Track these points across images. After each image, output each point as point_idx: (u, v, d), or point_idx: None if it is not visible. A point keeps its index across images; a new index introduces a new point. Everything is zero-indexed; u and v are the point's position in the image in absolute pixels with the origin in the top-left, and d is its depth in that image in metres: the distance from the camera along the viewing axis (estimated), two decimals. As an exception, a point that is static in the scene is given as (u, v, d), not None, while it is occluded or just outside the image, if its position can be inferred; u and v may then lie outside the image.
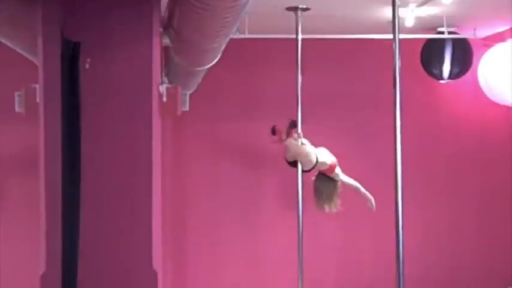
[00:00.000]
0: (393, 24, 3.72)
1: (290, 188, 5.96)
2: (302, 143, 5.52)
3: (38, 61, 3.82)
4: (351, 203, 7.25)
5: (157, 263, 3.70)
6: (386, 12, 5.88)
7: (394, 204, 3.64)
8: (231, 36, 4.53)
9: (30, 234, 6.18)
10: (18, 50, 4.95)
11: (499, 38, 6.95)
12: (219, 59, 5.20)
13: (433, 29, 6.72)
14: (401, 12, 5.92)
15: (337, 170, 5.63)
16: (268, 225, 7.19)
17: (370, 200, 5.68)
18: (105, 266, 3.61)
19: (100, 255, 3.60)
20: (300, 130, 5.57)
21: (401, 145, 3.67)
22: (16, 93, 4.01)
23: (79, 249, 3.50)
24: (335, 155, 6.90)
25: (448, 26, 6.52)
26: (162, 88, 3.85)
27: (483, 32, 6.86)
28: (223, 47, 4.79)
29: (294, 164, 5.61)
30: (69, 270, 3.46)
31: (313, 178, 5.62)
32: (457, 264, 7.29)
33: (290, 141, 5.50)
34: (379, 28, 6.26)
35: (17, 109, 4.03)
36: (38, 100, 3.77)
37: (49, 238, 3.58)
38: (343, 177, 5.65)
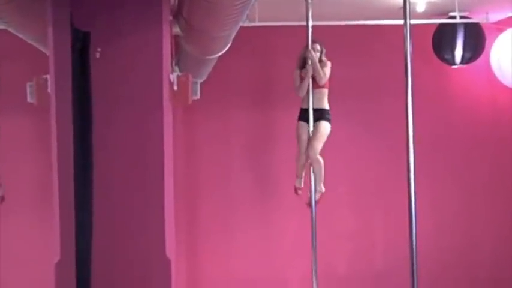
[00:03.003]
0: (404, 10, 3.70)
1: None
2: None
3: (48, 51, 3.83)
4: (364, 191, 7.25)
5: (170, 251, 3.71)
6: (397, -3, 5.84)
7: (407, 191, 3.63)
8: (241, 24, 4.51)
9: (43, 223, 6.22)
10: (29, 40, 4.96)
11: (512, 22, 6.89)
12: (229, 48, 5.19)
13: (444, 14, 6.67)
14: (413, -3, 5.88)
15: None
16: (281, 213, 7.20)
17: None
18: (118, 254, 3.63)
19: (113, 243, 3.62)
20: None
21: (414, 130, 3.66)
22: (28, 84, 4.02)
23: (92, 238, 3.52)
24: (347, 140, 6.89)
25: (460, 10, 6.46)
26: (173, 77, 3.85)
27: (495, 16, 6.79)
28: (233, 35, 4.78)
29: None
30: (83, 259, 3.48)
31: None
32: (470, 251, 7.27)
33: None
34: (390, 14, 6.22)
35: (28, 100, 4.05)
36: (49, 90, 3.78)
37: (63, 226, 3.60)
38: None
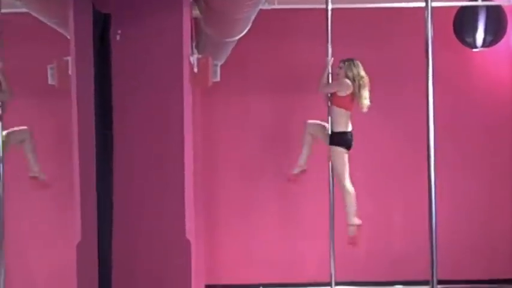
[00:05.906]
0: (425, -9, 3.66)
1: (321, 158, 5.95)
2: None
3: (69, 34, 3.85)
4: (383, 175, 7.24)
5: (190, 233, 3.74)
6: (418, -21, 5.78)
7: (427, 174, 3.62)
8: (261, 6, 4.50)
9: (65, 205, 6.29)
10: (50, 24, 4.99)
11: (535, 4, 6.79)
12: (249, 30, 5.18)
13: (466, -4, 6.60)
14: (434, -21, 5.80)
15: None
16: (300, 195, 7.21)
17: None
18: (139, 235, 3.66)
19: (134, 224, 3.66)
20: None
21: (434, 114, 3.64)
22: (49, 67, 4.05)
23: (113, 219, 3.55)
24: (366, 124, 6.87)
25: (482, -8, 6.39)
26: (193, 59, 3.85)
27: (518, -1, 6.71)
28: (252, 17, 4.77)
29: None
30: (104, 240, 3.52)
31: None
32: (489, 234, 7.24)
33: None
34: (410, -4, 6.17)
35: (49, 82, 4.08)
36: (70, 72, 3.81)
37: (84, 208, 3.63)
38: None
